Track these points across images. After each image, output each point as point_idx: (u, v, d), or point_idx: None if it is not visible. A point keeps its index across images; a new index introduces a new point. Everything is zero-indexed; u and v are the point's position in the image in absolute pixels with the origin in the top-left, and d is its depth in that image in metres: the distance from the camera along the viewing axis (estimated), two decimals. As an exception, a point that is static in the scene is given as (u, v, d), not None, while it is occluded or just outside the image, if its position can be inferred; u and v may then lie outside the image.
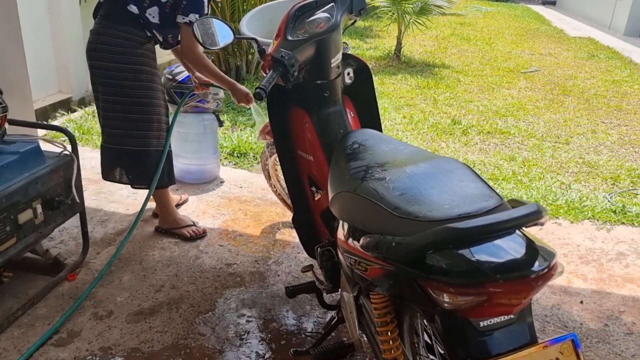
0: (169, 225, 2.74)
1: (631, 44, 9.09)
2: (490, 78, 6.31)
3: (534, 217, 1.05)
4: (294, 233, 2.59)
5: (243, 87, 2.53)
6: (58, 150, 2.26)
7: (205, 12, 2.40)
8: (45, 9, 4.43)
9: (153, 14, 2.37)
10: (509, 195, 3.31)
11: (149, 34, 2.43)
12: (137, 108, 2.46)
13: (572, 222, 3.04)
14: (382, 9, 7.18)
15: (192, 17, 2.33)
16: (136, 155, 2.53)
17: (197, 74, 2.78)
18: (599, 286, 2.49)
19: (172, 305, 2.25)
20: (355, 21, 2.12)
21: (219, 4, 4.96)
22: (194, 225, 2.77)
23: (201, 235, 2.74)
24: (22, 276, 2.36)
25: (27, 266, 2.40)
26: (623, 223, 3.05)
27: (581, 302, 2.37)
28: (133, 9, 2.35)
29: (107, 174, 2.62)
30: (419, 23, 7.16)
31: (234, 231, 2.84)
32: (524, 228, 1.13)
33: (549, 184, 3.49)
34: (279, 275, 2.49)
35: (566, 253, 2.74)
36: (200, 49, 2.35)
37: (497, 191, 1.26)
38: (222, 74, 2.55)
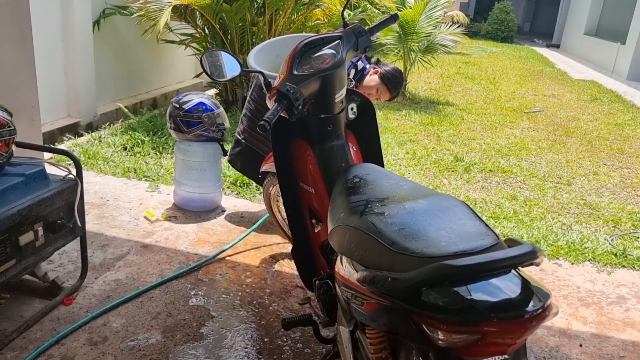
0: None
1: (634, 88, 9.21)
2: (493, 117, 6.38)
3: (530, 257, 1.06)
4: (293, 264, 2.59)
5: None
6: (63, 173, 2.29)
7: None
8: (59, 36, 4.54)
9: None
10: (509, 234, 3.31)
11: None
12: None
13: (572, 264, 3.03)
14: (389, 46, 7.32)
15: None
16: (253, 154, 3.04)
17: None
18: (598, 329, 2.46)
19: (167, 333, 2.24)
20: (360, 58, 2.17)
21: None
22: None
23: None
24: (19, 298, 2.36)
25: (24, 288, 2.40)
26: (624, 266, 3.04)
27: (580, 345, 2.34)
28: None
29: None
30: (425, 61, 7.29)
31: (232, 261, 2.84)
32: (520, 268, 1.13)
33: (550, 224, 3.49)
34: (276, 307, 2.48)
35: (566, 295, 2.72)
36: None
37: (495, 230, 1.27)
38: None
